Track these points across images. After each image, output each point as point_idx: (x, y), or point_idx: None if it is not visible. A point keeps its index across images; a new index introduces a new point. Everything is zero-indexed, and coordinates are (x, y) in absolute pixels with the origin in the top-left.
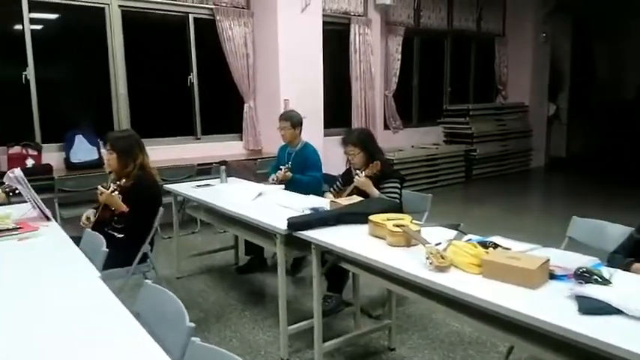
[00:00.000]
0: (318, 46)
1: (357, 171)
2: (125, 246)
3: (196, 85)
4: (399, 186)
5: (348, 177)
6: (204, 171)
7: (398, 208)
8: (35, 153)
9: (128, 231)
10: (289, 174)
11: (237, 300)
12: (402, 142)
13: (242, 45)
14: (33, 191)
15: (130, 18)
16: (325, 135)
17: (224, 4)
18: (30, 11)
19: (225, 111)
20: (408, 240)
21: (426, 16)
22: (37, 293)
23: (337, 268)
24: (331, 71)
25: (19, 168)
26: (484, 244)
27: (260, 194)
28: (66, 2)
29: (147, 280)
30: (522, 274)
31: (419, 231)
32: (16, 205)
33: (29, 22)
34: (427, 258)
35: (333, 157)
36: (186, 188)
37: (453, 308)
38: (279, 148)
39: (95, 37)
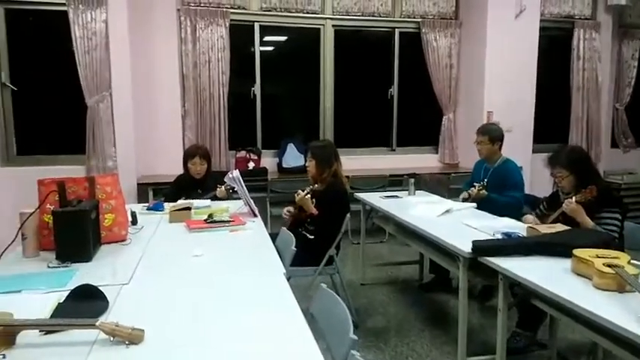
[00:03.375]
0: (532, 54)
1: (567, 195)
2: (315, 247)
3: (396, 98)
4: (619, 217)
5: (554, 201)
6: (395, 182)
7: (614, 244)
8: (256, 157)
9: (318, 233)
10: (484, 192)
11: (417, 317)
12: (634, 164)
13: (446, 56)
14: (246, 190)
15: (340, 36)
16: (534, 151)
17: (431, 17)
18: (261, 35)
19: (422, 123)
20: (621, 284)
21: None
22: (227, 278)
23: (531, 303)
24: (545, 80)
25: (237, 170)
26: None
27: (448, 211)
28: (289, 25)
29: (322, 285)
30: None
31: (638, 275)
32: (233, 201)
33: (259, 44)
34: None
35: (541, 176)
36: (374, 198)
37: None
38: (476, 164)
39: (310, 55)
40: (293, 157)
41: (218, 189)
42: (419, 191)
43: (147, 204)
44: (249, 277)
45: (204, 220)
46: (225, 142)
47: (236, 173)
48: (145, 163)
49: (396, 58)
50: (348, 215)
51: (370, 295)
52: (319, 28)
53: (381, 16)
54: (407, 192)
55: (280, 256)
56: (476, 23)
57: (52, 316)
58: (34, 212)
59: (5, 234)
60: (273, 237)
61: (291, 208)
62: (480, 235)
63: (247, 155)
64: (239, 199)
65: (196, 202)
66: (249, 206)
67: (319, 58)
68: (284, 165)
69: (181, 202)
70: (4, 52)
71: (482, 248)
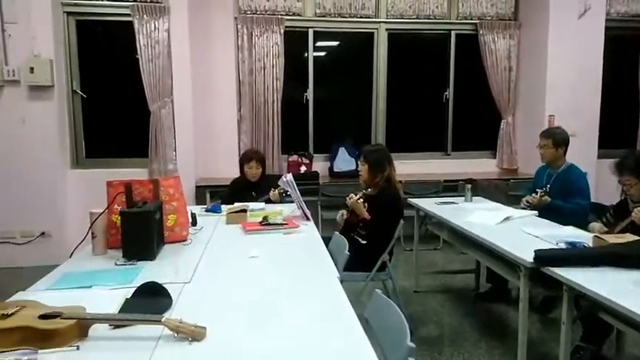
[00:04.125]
0: (597, 55)
1: (636, 204)
2: (367, 252)
3: (451, 101)
4: None
5: (622, 209)
6: (450, 188)
7: None
8: (307, 161)
9: (370, 238)
10: (546, 198)
11: (473, 327)
12: None
13: (504, 58)
14: (299, 194)
15: (394, 39)
16: (600, 157)
17: (489, 18)
18: (314, 40)
19: (479, 127)
20: None
21: None
22: (283, 280)
23: (596, 316)
24: (612, 82)
25: (290, 173)
26: None
27: (507, 218)
28: (343, 30)
29: (377, 290)
30: None
31: None
32: (286, 204)
33: (313, 50)
34: None
35: (607, 183)
36: (428, 204)
37: None
38: (538, 169)
39: (362, 59)
40: (344, 161)
41: (271, 192)
42: (476, 197)
43: (205, 206)
44: (305, 279)
45: (260, 223)
46: (278, 146)
47: (290, 177)
48: (202, 166)
49: (451, 60)
50: (402, 221)
51: (423, 302)
52: (373, 32)
53: (436, 19)
54: (463, 198)
55: (333, 260)
56: (536, 24)
57: (120, 311)
58: (103, 212)
59: (74, 231)
60: (326, 241)
61: (344, 212)
62: (542, 244)
63: (299, 159)
64: (292, 202)
65: (251, 205)
66: (302, 210)
67: (372, 61)
68: (335, 169)
69: (237, 205)
70: (75, 61)
71: (545, 258)
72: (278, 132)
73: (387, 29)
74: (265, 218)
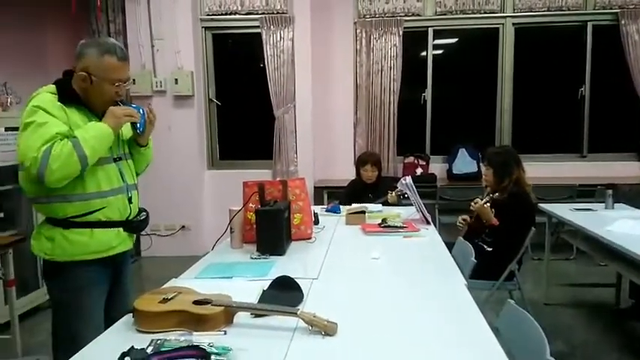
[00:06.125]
0: None
1: None
2: (493, 260)
3: (588, 98)
4: None
5: None
6: (586, 193)
7: None
8: (424, 163)
9: (497, 245)
10: None
11: (612, 346)
12: None
13: None
14: (418, 197)
15: (521, 34)
16: None
17: (632, 6)
18: (434, 38)
19: (620, 126)
20: None
21: None
22: (408, 282)
23: None
24: None
25: (409, 176)
26: None
27: None
28: (464, 27)
29: (510, 300)
30: None
31: None
32: (403, 207)
33: (432, 48)
34: None
35: None
36: (562, 210)
37: None
38: None
39: (485, 57)
40: (465, 163)
41: (389, 194)
42: (618, 204)
43: (324, 206)
44: (430, 284)
45: (379, 225)
46: (394, 148)
47: (409, 179)
48: (320, 168)
49: (588, 54)
50: (533, 228)
51: (555, 316)
52: (497, 28)
53: (570, 10)
54: (602, 204)
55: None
56: None
57: (259, 302)
58: (240, 210)
59: (209, 226)
60: (448, 246)
61: (466, 217)
62: None
63: (415, 161)
64: (409, 205)
65: (369, 207)
66: (422, 213)
67: (496, 58)
68: (454, 171)
69: (355, 206)
70: (212, 72)
71: None
72: (394, 134)
73: (513, 24)
74: (384, 220)
